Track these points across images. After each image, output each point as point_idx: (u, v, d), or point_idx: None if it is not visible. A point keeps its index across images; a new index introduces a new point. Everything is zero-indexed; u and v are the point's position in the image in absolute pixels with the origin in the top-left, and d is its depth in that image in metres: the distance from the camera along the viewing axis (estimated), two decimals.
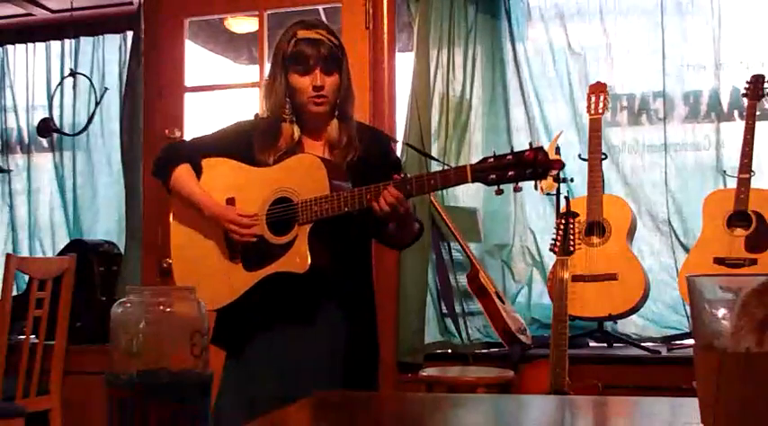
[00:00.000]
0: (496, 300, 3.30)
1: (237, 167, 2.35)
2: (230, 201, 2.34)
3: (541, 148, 2.06)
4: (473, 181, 2.10)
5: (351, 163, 2.30)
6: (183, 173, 2.36)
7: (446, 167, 2.19)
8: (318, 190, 2.19)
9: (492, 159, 2.08)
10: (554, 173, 2.07)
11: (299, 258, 2.20)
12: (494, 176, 2.06)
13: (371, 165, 2.28)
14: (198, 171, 2.37)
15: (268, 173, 2.30)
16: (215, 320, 2.38)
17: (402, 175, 2.15)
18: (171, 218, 2.46)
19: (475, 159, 3.86)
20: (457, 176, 2.11)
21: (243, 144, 2.36)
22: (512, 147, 2.21)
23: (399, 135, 3.71)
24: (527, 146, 2.07)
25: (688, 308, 3.09)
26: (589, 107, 3.52)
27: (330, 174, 2.22)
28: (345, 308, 2.31)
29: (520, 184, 2.09)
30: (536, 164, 2.02)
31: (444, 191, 3.51)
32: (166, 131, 3.97)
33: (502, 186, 2.08)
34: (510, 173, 2.05)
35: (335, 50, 2.32)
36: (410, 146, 2.53)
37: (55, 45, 4.72)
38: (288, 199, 2.25)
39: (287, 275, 2.22)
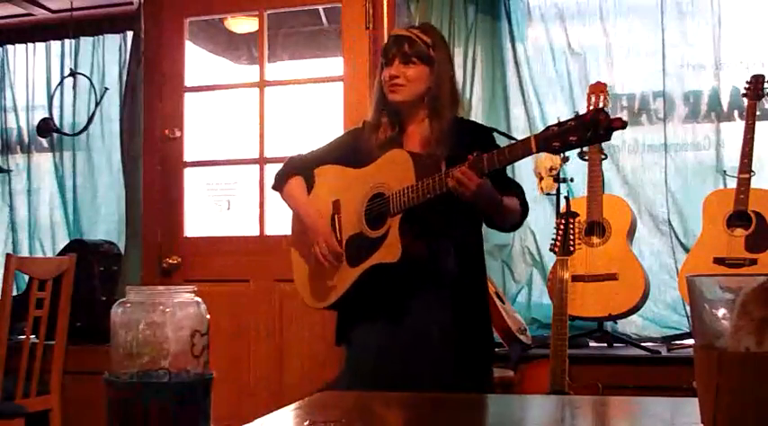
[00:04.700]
0: (496, 300, 3.29)
1: (342, 171, 2.48)
2: (336, 203, 2.47)
3: (602, 109, 2.04)
4: (538, 151, 2.11)
5: (450, 158, 2.30)
6: (293, 185, 2.53)
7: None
8: (406, 181, 2.26)
9: (555, 126, 2.07)
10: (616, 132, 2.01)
11: (391, 248, 2.27)
12: (557, 143, 2.06)
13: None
14: (312, 181, 2.54)
15: (366, 171, 2.40)
16: (337, 321, 2.49)
17: (475, 155, 2.17)
18: (292, 249, 2.61)
19: None
20: (523, 148, 2.13)
21: (350, 148, 2.48)
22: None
23: None
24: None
25: (688, 308, 3.10)
26: (589, 107, 3.51)
27: (417, 165, 2.27)
28: (447, 292, 2.34)
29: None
30: (597, 125, 1.99)
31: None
32: (166, 131, 3.97)
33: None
34: (572, 138, 2.03)
35: (421, 46, 2.38)
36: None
37: (55, 45, 4.72)
38: (382, 194, 2.33)
39: (385, 266, 2.29)
